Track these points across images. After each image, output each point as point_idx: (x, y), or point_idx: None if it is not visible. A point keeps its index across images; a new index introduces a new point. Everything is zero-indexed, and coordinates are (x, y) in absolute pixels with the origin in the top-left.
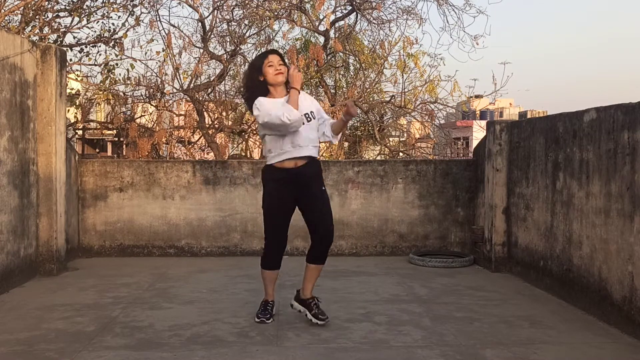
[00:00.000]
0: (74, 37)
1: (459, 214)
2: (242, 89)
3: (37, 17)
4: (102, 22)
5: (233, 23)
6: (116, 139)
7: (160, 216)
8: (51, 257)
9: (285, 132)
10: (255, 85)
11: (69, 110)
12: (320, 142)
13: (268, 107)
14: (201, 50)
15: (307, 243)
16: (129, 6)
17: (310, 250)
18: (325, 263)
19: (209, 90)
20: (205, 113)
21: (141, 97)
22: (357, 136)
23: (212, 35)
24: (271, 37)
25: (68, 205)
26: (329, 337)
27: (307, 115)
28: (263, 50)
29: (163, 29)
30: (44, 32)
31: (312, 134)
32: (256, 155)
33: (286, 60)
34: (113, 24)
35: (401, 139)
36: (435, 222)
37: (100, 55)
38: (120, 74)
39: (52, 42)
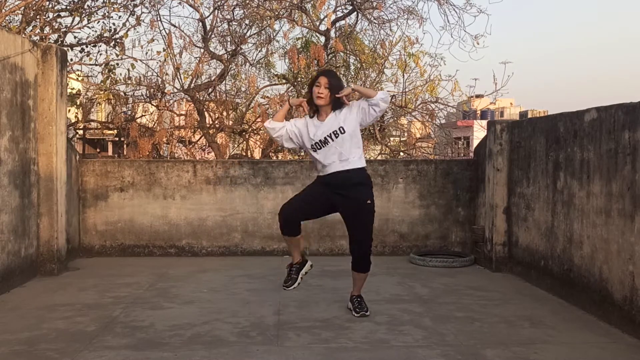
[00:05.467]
0: (75, 37)
1: (459, 213)
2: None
3: (37, 17)
4: (103, 22)
5: (234, 23)
6: (117, 138)
7: (161, 216)
8: (52, 257)
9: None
10: (310, 98)
11: (69, 110)
12: (370, 122)
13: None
14: (202, 50)
15: (307, 242)
16: (129, 6)
17: (352, 259)
18: (367, 271)
19: (210, 90)
20: (205, 113)
21: (142, 97)
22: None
23: (213, 35)
24: (272, 36)
25: (69, 205)
26: (329, 337)
27: (334, 133)
28: (264, 50)
29: (164, 28)
30: (45, 32)
31: (341, 147)
32: (257, 155)
33: (342, 81)
34: (114, 23)
35: (402, 139)
36: (436, 221)
37: (101, 55)
38: (120, 74)
39: (52, 42)
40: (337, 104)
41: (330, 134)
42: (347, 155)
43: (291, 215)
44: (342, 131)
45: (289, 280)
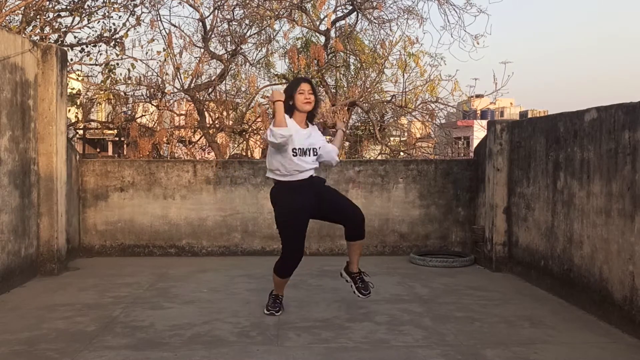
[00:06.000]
0: (75, 37)
1: (459, 213)
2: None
3: (38, 17)
4: (103, 22)
5: (234, 23)
6: (117, 138)
7: (161, 216)
8: (52, 256)
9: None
10: (286, 104)
11: (69, 110)
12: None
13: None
14: (202, 50)
15: (307, 242)
16: (129, 6)
17: (347, 231)
18: (365, 237)
19: (210, 90)
20: (206, 113)
21: (142, 97)
22: (358, 136)
23: (213, 35)
24: (272, 36)
25: (69, 205)
26: (329, 336)
27: (314, 150)
28: (264, 50)
29: (164, 28)
30: (45, 32)
31: (313, 162)
32: (257, 155)
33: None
34: (114, 23)
35: (402, 139)
36: (436, 221)
37: (101, 55)
38: (121, 74)
39: (53, 42)
40: (310, 116)
41: (312, 148)
42: (315, 166)
43: (301, 251)
44: (318, 152)
45: (277, 306)
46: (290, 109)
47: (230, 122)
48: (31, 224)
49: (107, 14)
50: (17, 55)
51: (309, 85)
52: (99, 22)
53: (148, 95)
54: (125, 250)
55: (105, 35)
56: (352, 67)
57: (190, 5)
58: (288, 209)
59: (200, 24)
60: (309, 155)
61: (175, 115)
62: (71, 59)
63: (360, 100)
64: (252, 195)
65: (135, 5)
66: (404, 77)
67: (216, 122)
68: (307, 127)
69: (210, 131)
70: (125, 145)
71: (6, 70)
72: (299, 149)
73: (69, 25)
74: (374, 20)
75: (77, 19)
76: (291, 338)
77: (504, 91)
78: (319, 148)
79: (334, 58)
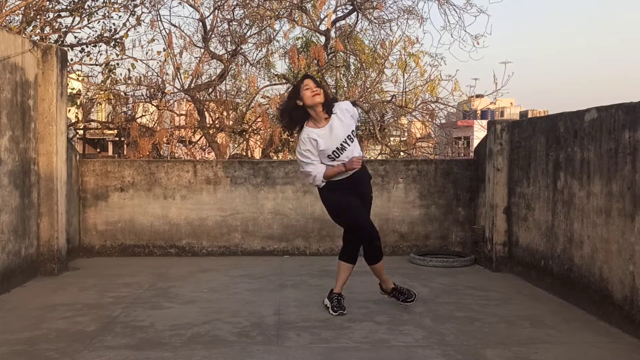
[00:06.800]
0: (75, 37)
1: (459, 213)
2: (279, 117)
3: (38, 17)
4: (103, 22)
5: (234, 23)
6: (117, 138)
7: (161, 216)
8: (52, 256)
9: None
10: (296, 110)
11: (69, 110)
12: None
13: (306, 158)
14: (202, 50)
15: (308, 242)
16: (129, 6)
17: (364, 250)
18: (380, 259)
19: (210, 90)
20: (206, 113)
21: (142, 97)
22: (358, 136)
23: (213, 35)
24: (272, 36)
25: (69, 205)
26: (329, 336)
27: (349, 138)
28: (264, 50)
29: (164, 28)
30: (45, 32)
31: (354, 148)
32: (257, 155)
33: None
34: (114, 23)
35: (402, 139)
36: (436, 221)
37: (101, 55)
38: (121, 74)
39: (53, 42)
40: (328, 106)
41: (345, 139)
42: (359, 153)
43: (365, 226)
44: (354, 134)
45: (339, 308)
46: (303, 113)
47: (230, 122)
48: (31, 224)
49: (107, 14)
50: (17, 55)
51: (312, 80)
52: (99, 22)
53: (148, 95)
54: (125, 250)
55: (105, 35)
56: (352, 67)
57: (190, 5)
58: (334, 198)
59: (200, 24)
60: (348, 146)
61: (175, 115)
62: (71, 59)
63: (361, 100)
64: (252, 195)
65: (136, 5)
66: (404, 77)
67: (216, 122)
68: (327, 122)
69: (210, 131)
70: (125, 145)
71: (6, 70)
72: (334, 151)
73: (69, 25)
74: (374, 20)
75: (77, 19)
76: (291, 338)
77: (504, 91)
78: (354, 130)
79: (334, 58)
